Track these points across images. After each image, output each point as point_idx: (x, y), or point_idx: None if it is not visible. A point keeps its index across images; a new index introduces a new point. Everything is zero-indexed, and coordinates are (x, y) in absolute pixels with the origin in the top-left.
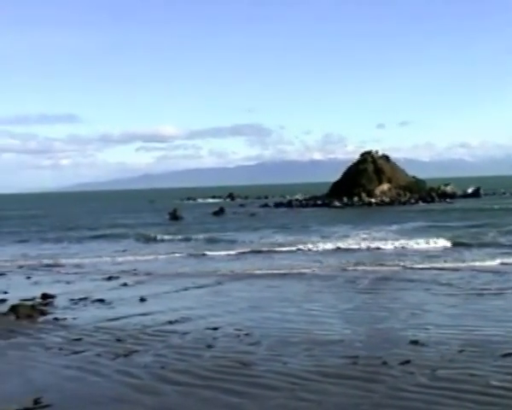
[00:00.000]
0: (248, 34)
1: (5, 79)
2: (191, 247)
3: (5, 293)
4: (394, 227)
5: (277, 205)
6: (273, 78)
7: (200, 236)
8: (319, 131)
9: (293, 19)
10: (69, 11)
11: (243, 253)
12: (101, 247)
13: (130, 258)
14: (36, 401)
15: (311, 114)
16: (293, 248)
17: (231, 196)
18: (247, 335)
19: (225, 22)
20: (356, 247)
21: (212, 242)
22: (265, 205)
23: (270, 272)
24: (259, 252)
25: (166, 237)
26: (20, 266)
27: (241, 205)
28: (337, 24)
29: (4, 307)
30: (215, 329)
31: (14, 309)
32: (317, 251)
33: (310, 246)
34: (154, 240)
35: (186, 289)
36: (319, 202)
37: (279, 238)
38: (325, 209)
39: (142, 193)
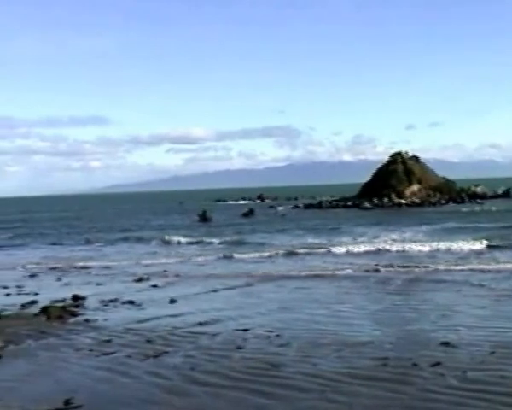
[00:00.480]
0: (279, 37)
1: (36, 82)
2: (221, 249)
3: (36, 294)
4: (425, 228)
5: (307, 206)
6: (304, 80)
7: (230, 238)
8: (349, 132)
9: (324, 22)
10: (99, 14)
11: (273, 255)
12: (131, 249)
13: (160, 260)
14: (67, 402)
15: (341, 116)
16: (323, 250)
17: (261, 198)
18: (276, 336)
19: (256, 25)
20: (386, 248)
21: (241, 243)
22: (295, 206)
23: (299, 273)
24: (289, 254)
25: (195, 239)
26: (51, 268)
27: (271, 206)
28: (367, 28)
29: (35, 309)
30: (245, 330)
31: (45, 310)
32: (347, 252)
33: (340, 247)
34: (183, 243)
35: (216, 290)
36: (349, 204)
37: (309, 240)
38: (355, 210)
39: (171, 195)
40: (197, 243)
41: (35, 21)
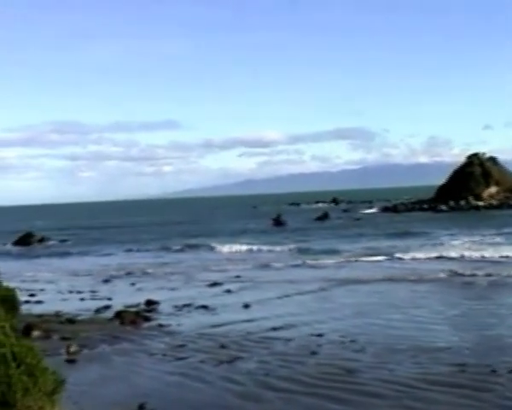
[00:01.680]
0: (352, 37)
1: (106, 87)
2: (295, 254)
3: (110, 299)
4: (506, 230)
5: (382, 209)
6: (377, 80)
7: (304, 243)
8: (424, 134)
9: (398, 20)
10: (170, 19)
11: (347, 259)
12: (204, 254)
13: (233, 265)
14: (141, 407)
15: (416, 117)
16: (399, 254)
17: (335, 201)
18: (351, 341)
19: (328, 29)
20: (464, 252)
21: (315, 248)
22: (370, 209)
23: (374, 277)
24: (364, 258)
25: (269, 244)
26: (126, 273)
27: (345, 210)
28: (436, 31)
29: (109, 313)
30: (319, 335)
31: (118, 315)
32: (424, 257)
33: (416, 251)
34: (256, 248)
35: (289, 295)
36: (425, 206)
37: (384, 243)
38: (431, 213)
39: (244, 199)
40: (271, 248)
41: (105, 27)
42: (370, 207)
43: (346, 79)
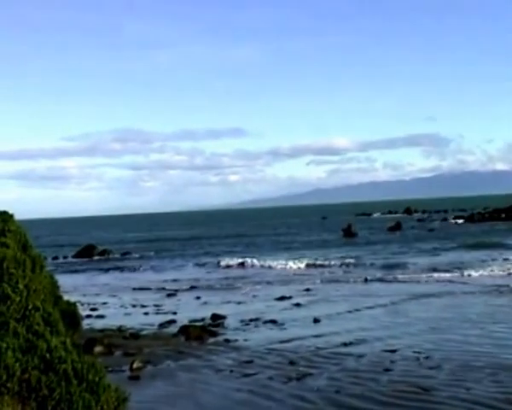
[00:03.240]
0: (423, 41)
1: (171, 94)
2: (365, 266)
3: (174, 314)
4: None
5: (457, 219)
6: (451, 84)
7: (375, 255)
8: (502, 139)
9: (478, 32)
10: (236, 25)
11: (419, 273)
12: (273, 267)
13: (301, 278)
14: None
15: (492, 122)
16: (475, 267)
17: (408, 211)
18: (426, 358)
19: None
20: None
21: (386, 261)
22: (445, 219)
23: (447, 291)
24: (436, 272)
25: (338, 257)
26: (191, 287)
27: (419, 220)
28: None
29: (174, 328)
30: (393, 351)
31: (183, 330)
32: (500, 269)
33: (492, 264)
34: (325, 262)
35: (360, 309)
36: (503, 216)
37: (459, 255)
38: (510, 223)
39: (313, 209)
40: (341, 260)
41: (170, 35)
42: (445, 218)
43: (417, 83)
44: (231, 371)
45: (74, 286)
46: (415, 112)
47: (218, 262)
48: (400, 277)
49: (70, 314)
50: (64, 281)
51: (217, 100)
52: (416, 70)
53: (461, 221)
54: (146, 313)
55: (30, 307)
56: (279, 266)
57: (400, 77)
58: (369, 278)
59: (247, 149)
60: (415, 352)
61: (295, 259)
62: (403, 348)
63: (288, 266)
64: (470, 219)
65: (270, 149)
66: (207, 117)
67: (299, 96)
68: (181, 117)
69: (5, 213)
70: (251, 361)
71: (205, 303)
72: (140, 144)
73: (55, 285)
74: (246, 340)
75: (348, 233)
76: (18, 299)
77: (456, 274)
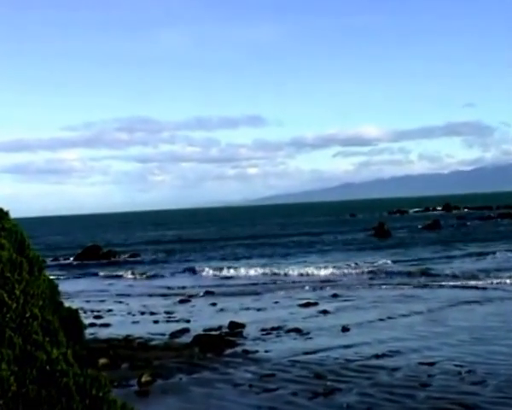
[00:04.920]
0: (462, 24)
1: (181, 79)
2: (399, 269)
3: (187, 322)
4: None
5: (502, 217)
6: (494, 68)
7: (408, 257)
8: None
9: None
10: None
11: (458, 277)
12: (297, 269)
13: (329, 282)
14: None
15: None
16: None
17: (447, 207)
18: (468, 372)
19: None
20: None
21: (421, 263)
22: (488, 217)
23: (489, 297)
24: (481, 275)
25: (368, 260)
26: (205, 292)
27: (459, 217)
28: None
29: (187, 338)
30: (430, 364)
31: (197, 340)
32: None
33: None
34: (354, 261)
35: (393, 317)
36: None
37: (508, 257)
38: None
39: (340, 205)
40: (372, 263)
41: (179, 16)
42: (489, 215)
43: (455, 66)
44: (250, 385)
45: (76, 291)
46: (454, 97)
47: (236, 267)
48: (438, 281)
49: (72, 322)
50: (65, 285)
51: (232, 84)
52: (452, 53)
53: (505, 219)
54: (156, 322)
55: (27, 314)
56: (303, 270)
57: (436, 59)
58: (402, 282)
59: (266, 139)
60: (456, 365)
61: (321, 261)
62: (442, 360)
63: (312, 270)
64: None
65: (292, 139)
66: (222, 103)
67: (324, 80)
68: (193, 103)
69: (0, 210)
70: (272, 375)
71: (221, 310)
72: (148, 134)
73: (55, 290)
74: (267, 351)
75: (380, 233)
76: (14, 306)
77: (501, 279)
